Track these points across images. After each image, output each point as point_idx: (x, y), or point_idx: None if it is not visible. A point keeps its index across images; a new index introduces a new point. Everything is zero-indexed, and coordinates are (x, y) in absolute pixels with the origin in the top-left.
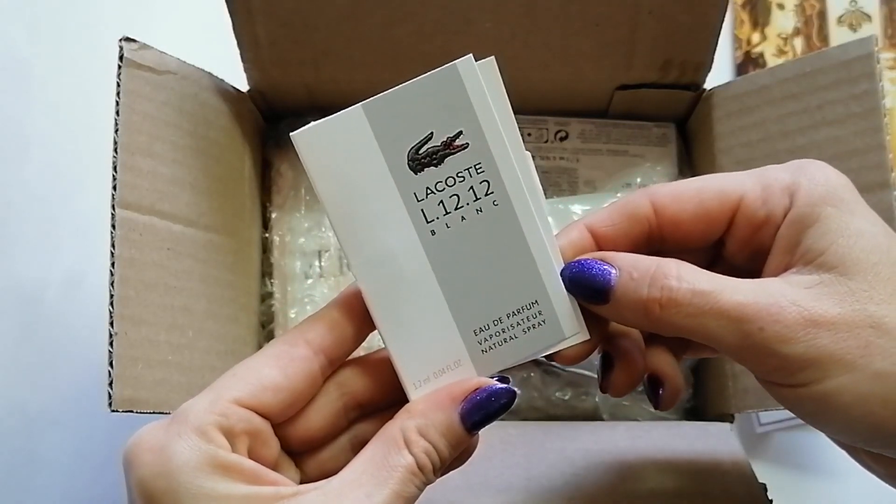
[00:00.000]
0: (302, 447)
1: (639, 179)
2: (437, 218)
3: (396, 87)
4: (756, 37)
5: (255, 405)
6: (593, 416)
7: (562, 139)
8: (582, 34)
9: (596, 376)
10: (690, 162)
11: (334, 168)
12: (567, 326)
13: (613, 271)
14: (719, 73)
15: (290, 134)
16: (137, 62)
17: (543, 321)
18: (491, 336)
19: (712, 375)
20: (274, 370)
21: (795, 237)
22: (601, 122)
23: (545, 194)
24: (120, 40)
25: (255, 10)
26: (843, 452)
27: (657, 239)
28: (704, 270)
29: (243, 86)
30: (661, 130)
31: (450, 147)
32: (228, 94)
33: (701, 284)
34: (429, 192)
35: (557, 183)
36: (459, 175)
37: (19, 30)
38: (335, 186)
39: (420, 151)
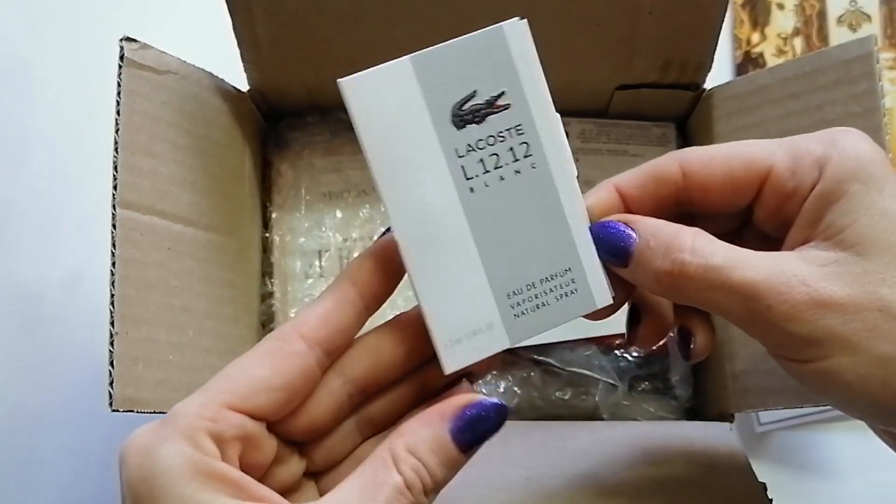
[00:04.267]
0: (306, 438)
1: None
2: (477, 175)
3: (444, 43)
4: (756, 37)
5: (249, 409)
6: (593, 415)
7: None
8: (582, 34)
9: (596, 376)
10: None
11: (379, 117)
12: (598, 295)
13: (634, 236)
14: (719, 73)
15: (338, 81)
16: (138, 62)
17: (576, 289)
18: (524, 301)
19: (712, 375)
20: (267, 370)
21: (819, 212)
22: (601, 121)
23: None
24: (120, 40)
25: (255, 10)
26: (843, 452)
27: (685, 202)
28: (720, 242)
29: (243, 86)
30: (661, 130)
31: (492, 106)
32: (228, 94)
33: (714, 259)
34: (469, 149)
35: None
36: (500, 135)
37: (19, 30)
38: (379, 136)
39: (463, 108)
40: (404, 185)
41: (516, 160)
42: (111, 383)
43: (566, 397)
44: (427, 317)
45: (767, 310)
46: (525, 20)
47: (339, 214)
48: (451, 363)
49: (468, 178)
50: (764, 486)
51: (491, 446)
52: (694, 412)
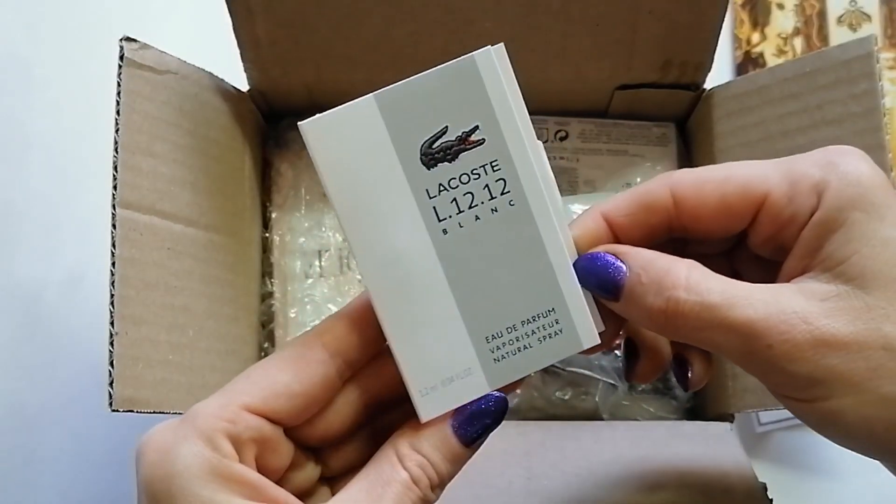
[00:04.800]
0: (322, 444)
1: (639, 179)
2: (450, 216)
3: (410, 78)
4: (756, 36)
5: (267, 412)
6: (593, 416)
7: (562, 139)
8: (582, 34)
9: (596, 376)
10: (690, 162)
11: (343, 161)
12: (585, 336)
13: (624, 269)
14: (719, 72)
15: (298, 123)
16: (138, 62)
17: (560, 330)
18: (504, 344)
19: (712, 375)
20: (288, 375)
21: (818, 241)
22: (601, 121)
23: None
24: (120, 40)
25: (255, 10)
26: (843, 452)
27: (677, 228)
28: (716, 277)
29: (243, 86)
30: (661, 130)
31: (465, 142)
32: (228, 93)
33: (710, 297)
34: (441, 188)
35: (557, 183)
36: (474, 172)
37: (19, 30)
38: (344, 180)
39: (433, 146)
40: (373, 230)
41: (493, 198)
42: (111, 383)
43: (566, 397)
44: (400, 365)
45: (767, 349)
46: (501, 45)
47: None
48: (426, 412)
49: (441, 220)
50: (764, 486)
51: (491, 447)
52: (694, 412)
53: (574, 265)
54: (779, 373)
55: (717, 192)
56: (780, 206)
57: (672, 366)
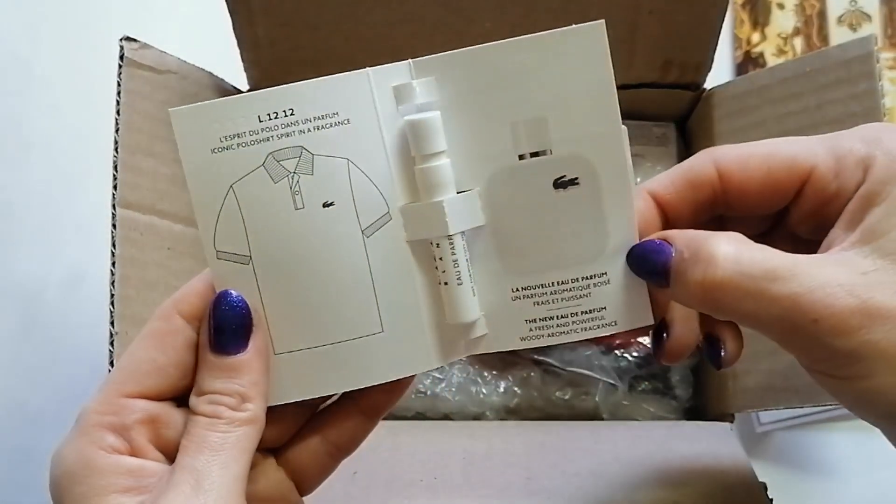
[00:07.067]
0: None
1: (639, 179)
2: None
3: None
4: (756, 36)
5: (145, 391)
6: (593, 416)
7: None
8: None
9: (596, 376)
10: None
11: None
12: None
13: (670, 250)
14: (719, 72)
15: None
16: (138, 62)
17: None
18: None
19: (712, 375)
20: (151, 351)
21: (860, 213)
22: None
23: None
24: (120, 40)
25: (255, 10)
26: (843, 452)
27: (721, 203)
28: (757, 249)
29: (243, 86)
30: (661, 130)
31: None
32: (228, 93)
33: (753, 269)
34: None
35: None
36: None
37: (19, 30)
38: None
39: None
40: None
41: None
42: None
43: (566, 397)
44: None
45: (813, 324)
46: (601, 24)
47: None
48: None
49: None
50: (764, 486)
51: (491, 447)
52: (694, 412)
53: (627, 255)
54: (821, 348)
55: (763, 166)
56: (826, 181)
57: (703, 345)
